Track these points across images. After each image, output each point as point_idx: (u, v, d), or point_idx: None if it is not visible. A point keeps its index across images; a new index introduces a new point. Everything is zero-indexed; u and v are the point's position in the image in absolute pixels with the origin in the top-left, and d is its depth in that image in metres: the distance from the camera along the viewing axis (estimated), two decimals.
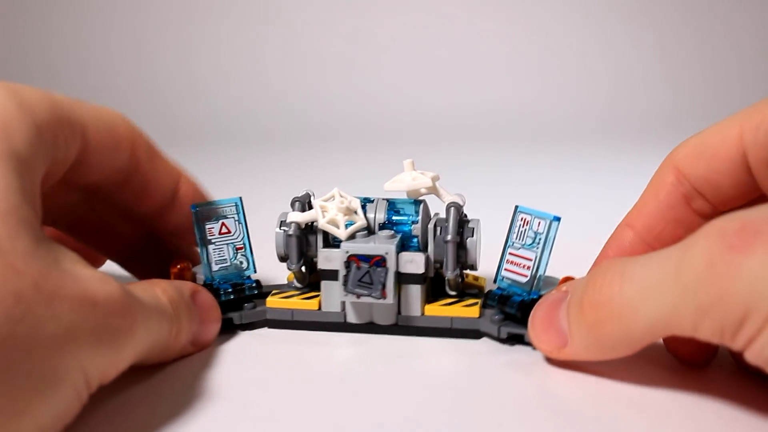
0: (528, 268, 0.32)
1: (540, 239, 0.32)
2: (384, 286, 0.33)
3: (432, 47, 1.24)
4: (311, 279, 0.36)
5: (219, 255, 0.34)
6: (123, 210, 0.35)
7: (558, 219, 0.32)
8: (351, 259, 0.33)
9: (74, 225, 0.35)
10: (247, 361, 0.32)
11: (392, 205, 0.35)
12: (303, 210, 0.35)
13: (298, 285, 0.36)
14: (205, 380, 0.30)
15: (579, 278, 0.29)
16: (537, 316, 0.30)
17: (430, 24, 1.25)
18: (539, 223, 0.32)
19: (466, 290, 0.36)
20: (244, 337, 0.34)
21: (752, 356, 0.22)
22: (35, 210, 0.24)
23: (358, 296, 0.33)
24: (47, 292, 0.21)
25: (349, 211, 0.34)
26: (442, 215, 0.35)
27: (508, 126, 1.09)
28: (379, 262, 0.33)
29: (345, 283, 0.33)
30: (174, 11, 1.31)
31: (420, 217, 0.35)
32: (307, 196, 0.36)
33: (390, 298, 0.33)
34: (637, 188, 0.33)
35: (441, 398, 0.28)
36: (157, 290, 0.29)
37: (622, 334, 0.25)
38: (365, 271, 0.33)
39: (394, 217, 0.35)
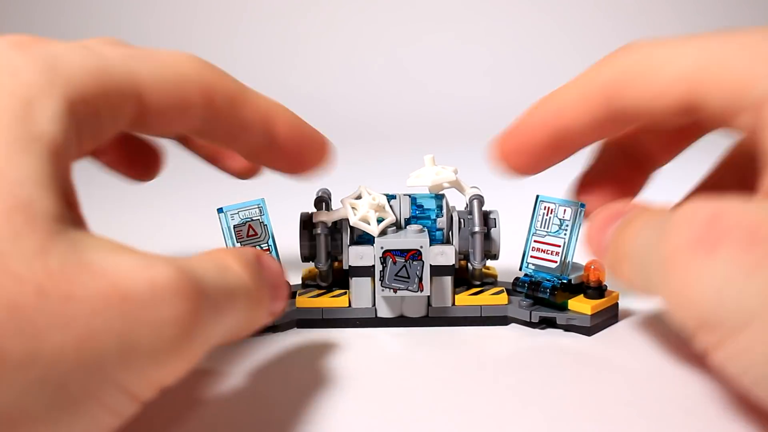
0: (557, 254, 0.34)
1: (567, 225, 0.34)
2: (421, 279, 0.33)
3: (425, 49, 1.24)
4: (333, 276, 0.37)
5: None
6: None
7: (583, 206, 0.33)
8: (386, 255, 0.33)
9: None
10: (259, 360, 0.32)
11: (413, 200, 0.36)
12: (327, 209, 0.35)
13: (322, 283, 0.36)
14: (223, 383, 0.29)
15: (638, 203, 0.29)
16: (596, 220, 0.29)
17: (430, 24, 1.25)
18: (565, 210, 0.34)
19: (484, 279, 0.37)
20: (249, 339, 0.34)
21: (716, 364, 0.21)
22: (59, 198, 0.21)
23: (395, 290, 0.34)
24: (57, 295, 0.18)
25: (380, 208, 0.34)
26: (459, 208, 0.37)
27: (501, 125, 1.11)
28: (415, 255, 0.33)
29: (382, 279, 0.33)
30: (181, 12, 1.29)
31: (444, 211, 0.36)
32: (327, 194, 0.36)
33: (427, 290, 0.34)
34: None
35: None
36: (229, 260, 0.24)
37: (633, 279, 0.26)
38: (401, 265, 0.33)
39: (416, 212, 0.36)
